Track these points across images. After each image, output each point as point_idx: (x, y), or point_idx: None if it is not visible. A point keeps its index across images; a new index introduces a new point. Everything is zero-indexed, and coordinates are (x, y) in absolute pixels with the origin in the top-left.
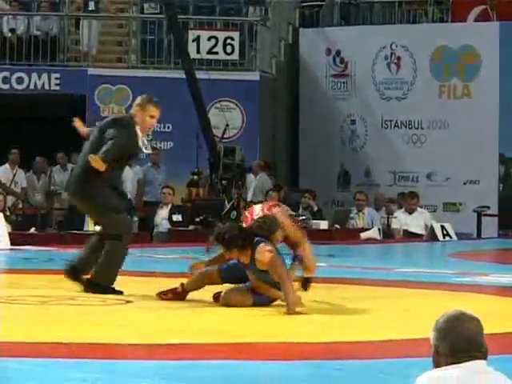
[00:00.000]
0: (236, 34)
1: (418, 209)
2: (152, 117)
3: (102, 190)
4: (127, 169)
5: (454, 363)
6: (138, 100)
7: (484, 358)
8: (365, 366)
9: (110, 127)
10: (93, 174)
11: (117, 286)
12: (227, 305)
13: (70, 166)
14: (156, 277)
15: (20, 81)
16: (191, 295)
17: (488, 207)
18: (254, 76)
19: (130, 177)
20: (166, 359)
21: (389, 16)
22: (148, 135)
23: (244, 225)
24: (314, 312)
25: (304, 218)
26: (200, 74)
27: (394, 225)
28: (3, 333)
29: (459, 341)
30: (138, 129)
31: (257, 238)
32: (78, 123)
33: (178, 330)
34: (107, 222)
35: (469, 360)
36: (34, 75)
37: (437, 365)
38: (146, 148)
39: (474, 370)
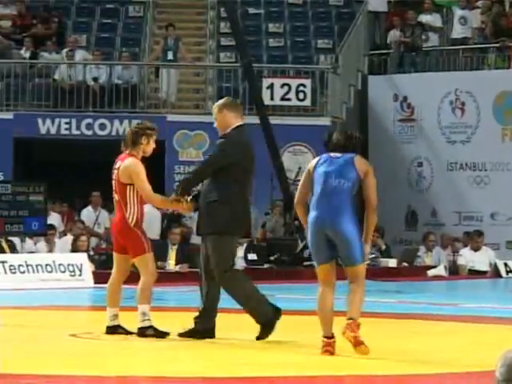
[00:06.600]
0: (308, 82)
1: (483, 247)
2: None
3: None
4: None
5: None
6: None
7: None
8: None
9: None
10: None
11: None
12: None
13: None
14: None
15: (103, 127)
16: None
17: None
18: (326, 121)
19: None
20: None
21: (452, 63)
22: None
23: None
24: (390, 345)
25: (373, 255)
26: (274, 120)
27: (460, 261)
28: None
29: None
30: None
31: None
32: None
33: (248, 363)
34: None
35: None
36: (116, 122)
37: None
38: None
39: None
